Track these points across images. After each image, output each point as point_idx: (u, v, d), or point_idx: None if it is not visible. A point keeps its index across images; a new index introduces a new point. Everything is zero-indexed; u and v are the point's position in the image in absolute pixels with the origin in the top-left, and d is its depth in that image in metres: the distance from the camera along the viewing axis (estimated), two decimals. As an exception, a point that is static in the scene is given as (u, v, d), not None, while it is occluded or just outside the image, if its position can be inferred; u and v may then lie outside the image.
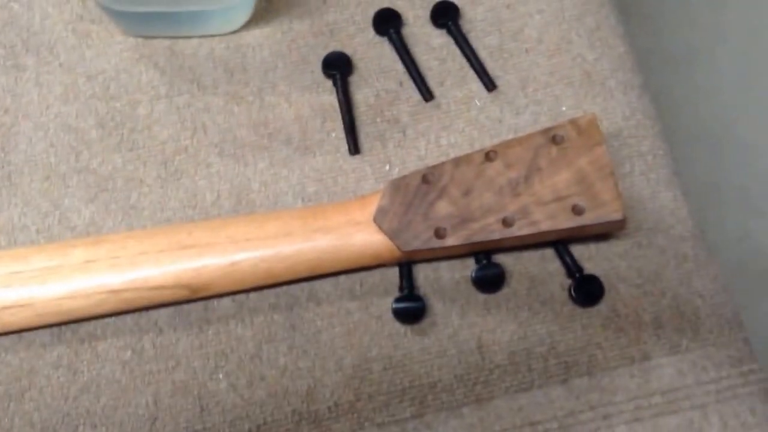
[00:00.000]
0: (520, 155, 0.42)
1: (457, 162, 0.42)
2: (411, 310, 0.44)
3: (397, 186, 0.42)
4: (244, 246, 0.42)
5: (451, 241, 0.41)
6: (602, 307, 0.44)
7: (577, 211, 0.40)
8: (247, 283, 0.42)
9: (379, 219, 0.42)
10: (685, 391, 0.43)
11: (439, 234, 0.41)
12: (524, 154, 0.42)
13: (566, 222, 0.40)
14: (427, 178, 0.42)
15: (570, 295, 0.44)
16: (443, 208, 0.41)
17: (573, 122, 0.42)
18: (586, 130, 0.41)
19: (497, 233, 0.41)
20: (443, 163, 0.42)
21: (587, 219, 0.40)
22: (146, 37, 0.50)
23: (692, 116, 1.16)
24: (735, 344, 0.44)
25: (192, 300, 0.43)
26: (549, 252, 0.45)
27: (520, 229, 0.40)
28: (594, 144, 0.41)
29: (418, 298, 0.44)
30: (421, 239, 0.41)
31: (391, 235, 0.41)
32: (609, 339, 0.44)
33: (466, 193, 0.41)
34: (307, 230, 0.42)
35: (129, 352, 0.43)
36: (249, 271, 0.42)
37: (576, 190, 0.41)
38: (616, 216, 0.40)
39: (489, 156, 0.42)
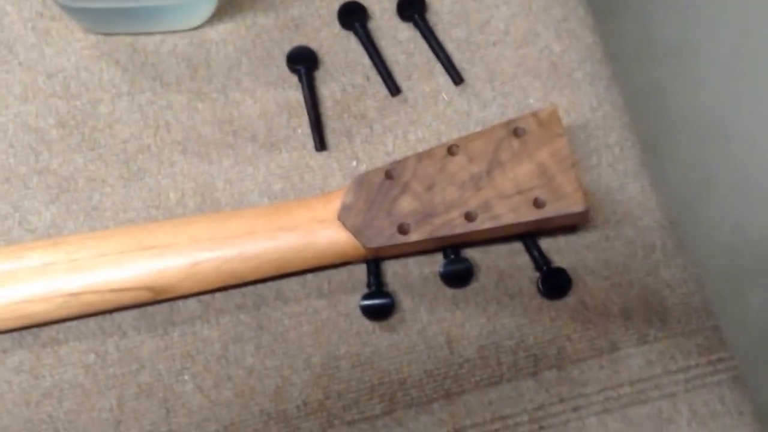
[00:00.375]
0: (481, 149, 0.42)
1: (420, 157, 0.42)
2: (379, 306, 0.44)
3: (361, 182, 0.42)
4: (206, 246, 0.42)
5: (414, 236, 0.41)
6: (570, 299, 0.44)
7: (538, 204, 0.41)
8: (211, 284, 0.42)
9: (343, 216, 0.42)
10: (654, 381, 0.43)
11: (402, 230, 0.41)
12: (486, 147, 0.42)
13: (528, 215, 0.40)
14: (390, 173, 0.42)
15: (538, 288, 0.44)
16: (406, 203, 0.41)
17: (534, 115, 0.42)
18: (547, 123, 0.42)
19: (460, 228, 0.41)
20: (406, 159, 0.42)
21: (548, 212, 0.40)
22: (107, 34, 0.49)
23: (677, 107, 1.16)
24: (703, 333, 0.44)
25: (155, 302, 0.43)
26: (517, 245, 0.45)
27: (482, 223, 0.41)
28: (554, 136, 0.42)
29: (386, 295, 0.44)
30: (384, 236, 0.41)
31: (355, 232, 0.41)
32: (577, 331, 0.44)
33: (429, 188, 0.41)
34: (271, 228, 0.42)
35: (92, 356, 0.43)
36: (212, 272, 0.41)
37: (537, 183, 0.41)
38: (577, 208, 0.40)
39: (451, 150, 0.42)
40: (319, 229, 0.42)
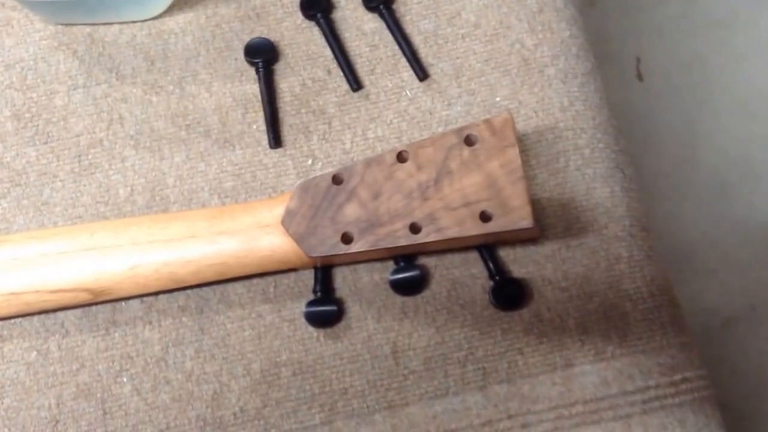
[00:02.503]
0: (431, 156, 0.41)
1: (368, 163, 0.42)
2: (324, 314, 0.44)
3: (307, 187, 0.42)
4: (146, 249, 0.42)
5: (357, 246, 0.41)
6: (525, 311, 0.44)
7: (484, 217, 0.40)
8: (151, 287, 0.43)
9: (286, 222, 0.42)
10: (608, 401, 0.42)
11: (345, 239, 0.41)
12: (435, 155, 0.41)
13: (473, 229, 0.40)
14: (338, 178, 0.42)
15: (490, 298, 0.44)
16: (352, 211, 0.41)
17: (487, 122, 0.41)
18: (500, 131, 0.41)
19: (404, 240, 0.41)
20: (354, 164, 0.42)
21: (495, 226, 0.40)
22: (66, 25, 0.50)
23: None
24: (668, 351, 0.43)
25: (96, 303, 0.44)
26: (473, 253, 0.45)
27: (426, 236, 0.40)
28: (506, 146, 0.41)
29: (331, 302, 0.44)
30: (327, 244, 0.41)
31: (298, 239, 0.41)
32: (530, 345, 0.43)
33: (376, 195, 0.41)
34: (212, 232, 0.42)
35: (34, 354, 0.44)
36: (151, 275, 0.42)
37: (485, 195, 0.40)
38: (525, 224, 0.40)
39: (401, 156, 0.42)
40: (261, 234, 0.42)
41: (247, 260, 0.42)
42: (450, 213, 0.40)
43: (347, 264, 0.45)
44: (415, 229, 0.41)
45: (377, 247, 0.41)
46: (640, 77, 1.15)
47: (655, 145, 1.13)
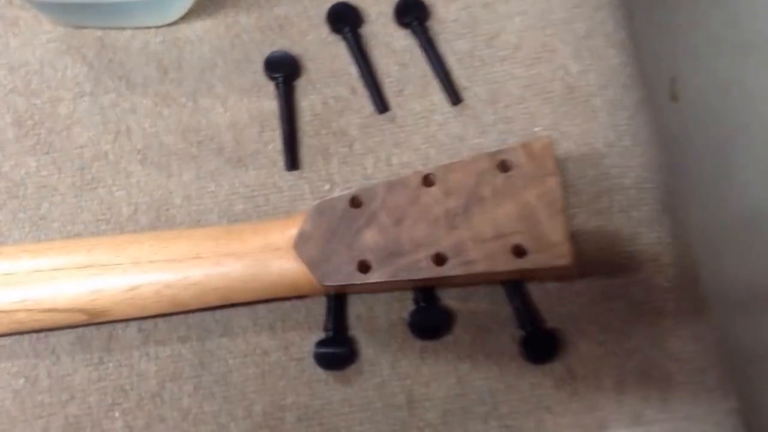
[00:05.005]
0: (461, 181, 0.39)
1: (391, 185, 0.39)
2: (335, 355, 0.41)
3: (323, 210, 0.40)
4: (146, 269, 0.40)
5: (375, 277, 0.38)
6: (557, 365, 0.41)
7: (517, 252, 0.37)
8: (150, 310, 0.41)
9: (299, 246, 0.39)
10: (645, 472, 0.38)
11: (362, 267, 0.39)
12: (466, 180, 0.39)
13: (505, 264, 0.37)
14: (357, 201, 0.39)
15: (519, 348, 0.40)
16: (371, 237, 0.39)
17: (525, 146, 0.39)
18: (539, 157, 0.38)
19: (426, 272, 0.38)
20: (375, 185, 0.39)
21: (528, 263, 0.37)
22: (77, 27, 0.47)
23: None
24: (713, 417, 0.40)
25: (91, 324, 0.41)
26: (501, 297, 0.42)
27: (452, 269, 0.38)
28: (546, 174, 0.38)
29: (344, 342, 0.41)
30: (342, 273, 0.39)
31: (311, 265, 0.39)
32: (561, 403, 0.40)
33: (398, 221, 0.39)
34: (219, 254, 0.40)
35: (22, 380, 0.42)
36: (151, 297, 0.40)
37: (519, 228, 0.38)
38: (562, 261, 0.37)
39: (428, 180, 0.39)
40: (271, 258, 0.40)
41: (254, 285, 0.40)
42: (479, 245, 0.38)
43: (363, 293, 0.42)
44: (439, 260, 0.38)
45: (396, 278, 0.38)
46: (674, 98, 1.11)
47: (689, 170, 1.09)
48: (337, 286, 0.39)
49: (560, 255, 0.37)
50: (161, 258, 0.40)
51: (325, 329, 0.41)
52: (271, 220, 0.42)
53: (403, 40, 0.47)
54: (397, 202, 0.39)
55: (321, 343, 0.41)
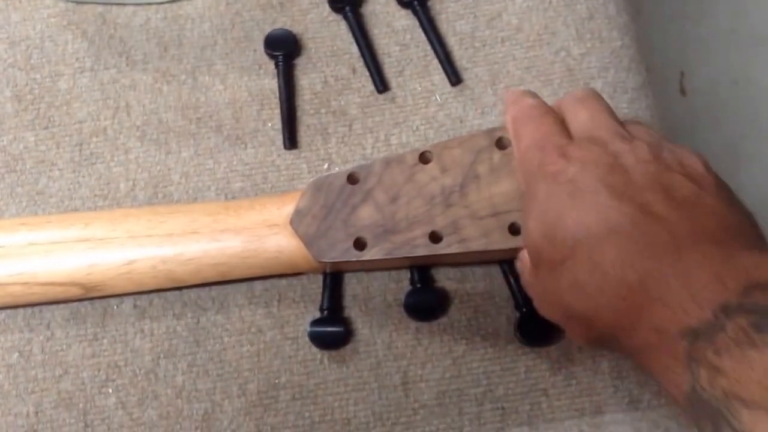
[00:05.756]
0: (458, 159, 0.38)
1: (388, 162, 0.39)
2: (330, 334, 0.41)
3: (320, 186, 0.39)
4: (143, 243, 0.40)
5: (370, 254, 0.38)
6: (553, 348, 0.41)
7: (514, 230, 0.37)
8: (146, 285, 0.41)
9: (295, 222, 0.39)
10: (640, 456, 0.38)
11: (358, 245, 0.38)
12: (463, 157, 0.38)
13: (501, 242, 0.37)
14: (354, 177, 0.39)
15: (516, 331, 0.40)
16: (367, 214, 0.38)
17: None
18: None
19: (422, 249, 0.38)
20: (372, 163, 0.39)
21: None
22: (78, 2, 0.47)
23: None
24: (711, 405, 0.39)
25: (87, 298, 0.41)
26: (498, 279, 0.42)
27: (448, 246, 0.37)
28: None
29: (339, 322, 0.41)
30: (338, 249, 0.38)
31: (307, 241, 0.39)
32: (557, 386, 0.40)
33: (394, 198, 0.38)
34: (216, 229, 0.40)
35: (16, 355, 0.42)
36: (147, 272, 0.40)
37: (516, 206, 0.37)
38: None
39: (424, 157, 0.39)
40: (268, 234, 0.40)
41: (251, 261, 0.40)
42: (475, 223, 0.37)
43: (359, 271, 0.42)
44: (435, 238, 0.38)
45: (392, 256, 0.38)
46: (683, 91, 1.10)
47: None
48: (333, 262, 0.39)
49: None
50: (158, 233, 0.40)
51: (321, 309, 0.41)
52: (268, 196, 0.42)
53: (404, 20, 0.47)
54: (393, 180, 0.39)
55: (316, 323, 0.41)
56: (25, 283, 0.40)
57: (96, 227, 0.40)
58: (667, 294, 0.28)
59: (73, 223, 0.41)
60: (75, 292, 0.40)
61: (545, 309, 0.35)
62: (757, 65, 1.10)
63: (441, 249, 0.37)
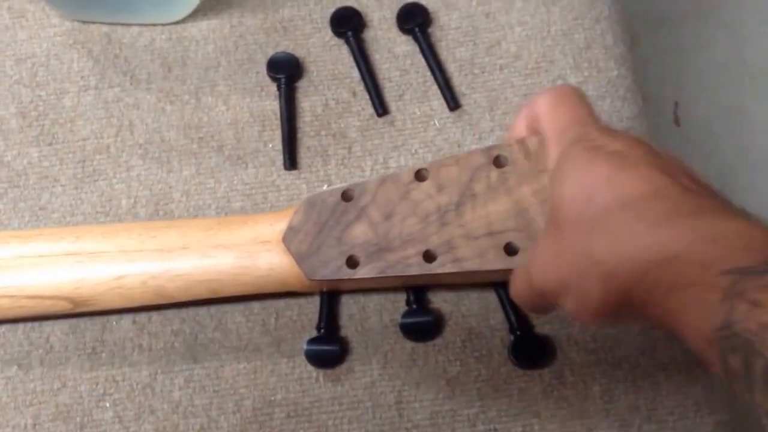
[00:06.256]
0: (454, 177, 0.38)
1: (383, 180, 0.39)
2: (326, 353, 0.41)
3: (314, 202, 0.39)
4: (134, 258, 0.40)
5: (363, 272, 0.38)
6: (546, 371, 0.41)
7: (510, 250, 0.37)
8: (136, 301, 0.41)
9: (288, 239, 0.39)
10: (630, 480, 0.38)
11: (351, 263, 0.38)
12: (459, 176, 0.38)
13: (496, 262, 0.37)
14: (348, 194, 0.39)
15: (509, 353, 0.40)
16: (360, 232, 0.38)
17: (521, 142, 0.38)
18: (535, 153, 0.38)
19: (416, 268, 0.37)
20: (367, 181, 0.39)
21: (521, 261, 0.36)
22: (83, 22, 0.48)
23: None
24: (702, 429, 0.39)
25: (76, 314, 0.41)
26: (493, 301, 0.42)
27: (441, 266, 0.37)
28: (541, 171, 0.37)
29: (335, 341, 0.41)
30: (330, 267, 0.38)
31: (299, 259, 0.39)
32: (549, 408, 0.40)
33: (388, 216, 0.38)
34: (207, 245, 0.40)
35: (15, 367, 0.42)
36: (137, 288, 0.40)
37: (512, 225, 0.37)
38: None
39: (420, 175, 0.39)
40: (260, 251, 0.40)
41: (242, 279, 0.40)
42: (470, 242, 0.37)
43: (353, 290, 0.42)
44: (429, 257, 0.38)
45: (385, 275, 0.38)
46: (677, 122, 1.11)
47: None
48: (325, 281, 0.39)
49: None
50: (149, 247, 0.40)
51: (318, 327, 0.42)
52: (262, 213, 0.42)
53: (404, 45, 0.48)
54: (388, 197, 0.38)
55: (313, 341, 0.41)
56: (12, 296, 0.40)
57: (87, 241, 0.40)
58: (721, 238, 0.29)
59: (63, 237, 0.41)
60: (64, 306, 0.40)
61: (557, 269, 0.33)
62: (750, 98, 1.11)
63: (435, 268, 0.37)
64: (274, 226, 0.40)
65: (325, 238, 0.38)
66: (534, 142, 0.38)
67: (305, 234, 0.39)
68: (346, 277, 0.38)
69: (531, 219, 0.37)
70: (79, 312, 0.41)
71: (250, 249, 0.39)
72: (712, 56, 1.13)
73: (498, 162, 0.38)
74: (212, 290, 0.40)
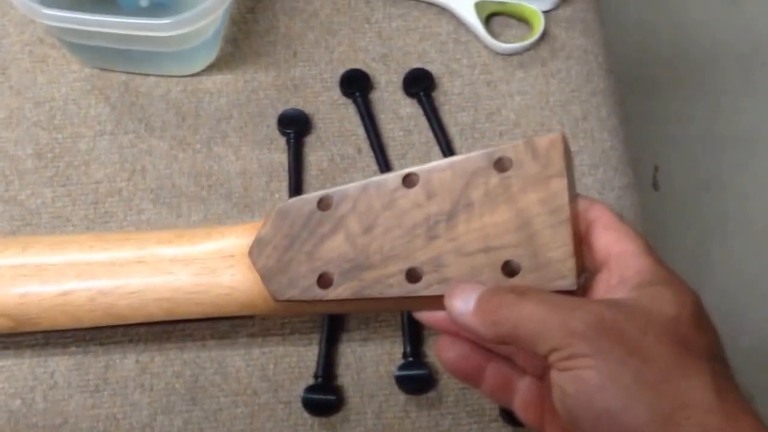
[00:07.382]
0: (447, 183, 0.33)
1: (366, 186, 0.34)
2: (322, 402, 0.42)
3: (286, 211, 0.34)
4: (82, 271, 0.37)
5: (336, 293, 0.33)
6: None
7: (508, 269, 0.31)
8: (84, 321, 0.37)
9: (255, 253, 0.34)
10: None
11: (323, 282, 0.34)
12: (454, 181, 0.32)
13: (491, 284, 0.31)
14: (325, 202, 0.34)
15: (500, 411, 0.42)
16: (335, 246, 0.33)
17: (529, 142, 0.32)
18: (545, 156, 0.31)
19: (397, 289, 0.33)
20: (348, 186, 0.34)
21: (521, 282, 0.31)
22: (103, 69, 0.50)
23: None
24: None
25: (19, 333, 0.40)
26: (485, 357, 0.43)
27: (427, 287, 0.32)
28: (551, 176, 0.31)
29: (332, 390, 0.42)
30: (298, 287, 0.34)
31: (264, 276, 0.34)
32: (536, 465, 0.41)
33: (368, 228, 0.33)
34: (164, 259, 0.36)
35: (18, 402, 0.43)
36: (85, 306, 0.37)
37: (512, 240, 0.31)
38: (564, 284, 0.30)
39: (408, 180, 0.33)
40: (222, 266, 0.36)
41: (200, 298, 0.36)
42: (462, 259, 0.32)
43: (329, 313, 0.39)
44: (413, 276, 0.33)
45: (361, 296, 0.33)
46: (656, 186, 1.14)
47: (666, 259, 1.11)
48: (292, 301, 0.34)
49: (561, 274, 0.30)
50: (100, 260, 0.36)
51: (315, 375, 0.43)
52: (230, 225, 0.38)
53: (409, 107, 0.50)
54: (370, 205, 0.33)
55: (310, 389, 0.43)
56: None
57: (33, 252, 0.37)
58: None
59: (9, 247, 0.38)
60: (4, 324, 0.37)
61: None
62: (727, 167, 1.15)
63: (419, 290, 0.32)
64: (241, 239, 0.36)
65: (295, 253, 0.34)
66: (545, 140, 0.32)
67: (274, 248, 0.34)
68: (317, 298, 0.33)
69: (535, 233, 0.31)
70: (21, 332, 0.39)
71: (211, 264, 0.35)
72: (692, 126, 1.17)
73: (500, 165, 0.32)
74: (167, 311, 0.36)
